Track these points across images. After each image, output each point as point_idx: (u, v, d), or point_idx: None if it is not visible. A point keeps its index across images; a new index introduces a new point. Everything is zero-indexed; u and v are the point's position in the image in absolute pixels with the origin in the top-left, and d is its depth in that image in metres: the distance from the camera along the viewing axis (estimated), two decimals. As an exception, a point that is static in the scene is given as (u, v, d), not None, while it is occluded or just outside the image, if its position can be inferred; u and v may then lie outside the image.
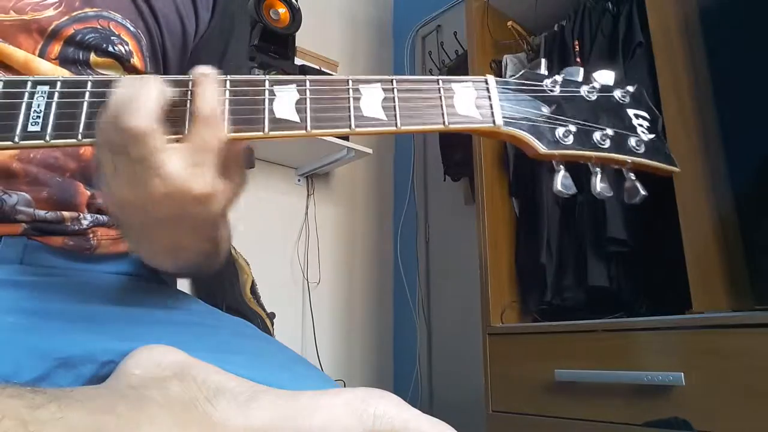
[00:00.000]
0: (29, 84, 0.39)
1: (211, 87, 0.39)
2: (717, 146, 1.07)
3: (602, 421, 1.09)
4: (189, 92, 0.40)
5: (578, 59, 1.42)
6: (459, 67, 2.02)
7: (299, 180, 2.11)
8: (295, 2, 1.81)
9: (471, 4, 1.69)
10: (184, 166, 0.37)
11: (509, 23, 1.67)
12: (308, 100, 0.42)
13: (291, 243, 2.03)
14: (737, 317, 0.95)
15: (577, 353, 1.17)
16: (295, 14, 1.80)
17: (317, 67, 2.03)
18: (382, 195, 2.40)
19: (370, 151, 1.99)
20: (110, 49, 0.54)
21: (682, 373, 0.98)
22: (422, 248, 2.21)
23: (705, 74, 1.11)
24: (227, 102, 0.40)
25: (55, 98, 0.39)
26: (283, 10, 1.78)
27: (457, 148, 1.95)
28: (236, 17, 0.69)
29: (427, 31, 2.40)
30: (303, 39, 1.94)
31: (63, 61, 0.51)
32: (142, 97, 0.36)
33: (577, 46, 1.44)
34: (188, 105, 0.39)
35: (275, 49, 1.75)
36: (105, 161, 0.38)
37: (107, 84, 0.40)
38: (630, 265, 1.29)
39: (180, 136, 0.39)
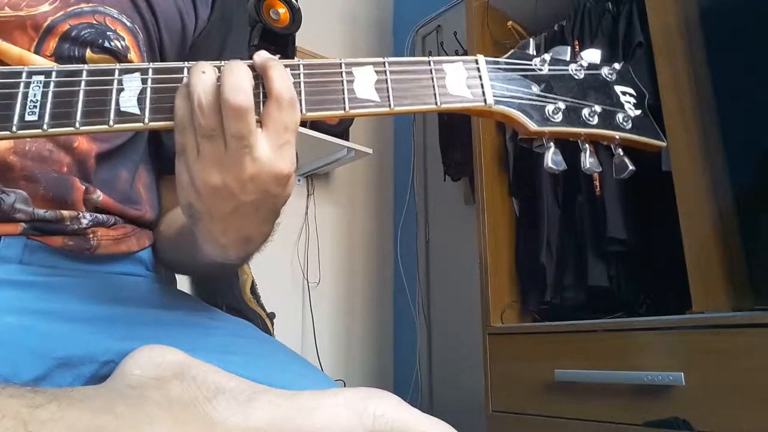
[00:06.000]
0: (24, 74, 0.39)
1: (284, 71, 0.40)
2: (717, 146, 1.07)
3: (602, 421, 1.09)
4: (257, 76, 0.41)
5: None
6: (459, 67, 2.01)
7: (299, 180, 2.10)
8: (295, 2, 1.81)
9: (471, 4, 1.69)
10: (272, 147, 0.39)
11: (509, 23, 1.67)
12: (302, 84, 0.42)
13: (291, 243, 2.03)
14: (737, 317, 0.95)
15: (577, 353, 1.17)
16: (295, 14, 1.80)
17: (317, 67, 2.03)
18: (382, 195, 2.40)
19: (370, 151, 1.99)
20: (106, 44, 0.54)
21: (682, 373, 0.98)
22: (422, 248, 2.21)
23: (705, 74, 1.11)
24: None
25: (51, 87, 0.39)
26: (283, 10, 1.78)
27: (457, 148, 1.95)
28: (235, 14, 0.69)
29: (427, 31, 2.40)
30: (303, 39, 1.94)
31: (59, 57, 0.51)
32: (241, 76, 0.38)
33: (577, 46, 1.44)
34: (260, 88, 0.40)
35: (275, 49, 1.75)
36: (189, 146, 0.39)
37: (102, 72, 0.40)
38: (630, 265, 1.29)
39: (258, 118, 0.39)
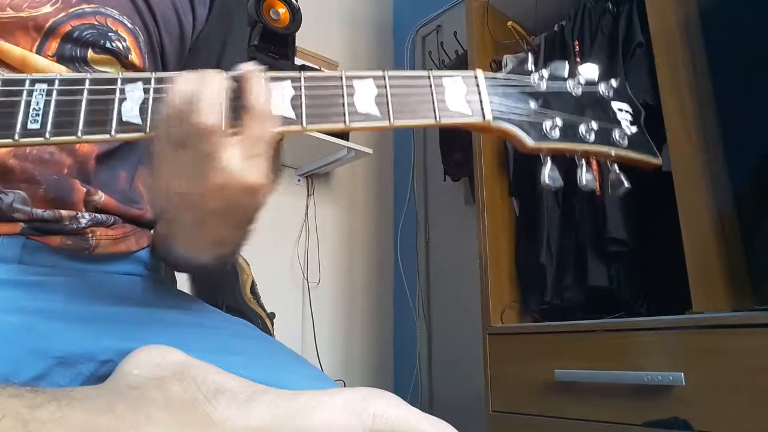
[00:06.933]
0: (27, 82, 0.39)
1: (261, 82, 0.40)
2: (717, 146, 1.07)
3: (602, 421, 1.09)
4: (237, 88, 0.41)
5: (578, 59, 1.42)
6: (459, 67, 2.02)
7: (299, 180, 2.11)
8: (295, 2, 1.81)
9: (471, 4, 1.69)
10: (243, 159, 0.39)
11: (509, 23, 1.67)
12: (303, 97, 0.42)
13: (291, 243, 2.03)
14: (737, 317, 0.95)
15: (577, 353, 1.17)
16: (295, 14, 1.80)
17: (317, 67, 2.03)
18: (382, 195, 2.40)
19: (370, 151, 1.99)
20: (108, 45, 0.54)
21: (682, 373, 0.98)
22: (422, 248, 2.21)
23: (705, 74, 1.11)
24: None
25: (54, 96, 0.39)
26: (283, 10, 1.78)
27: (457, 148, 1.95)
28: (234, 14, 0.69)
29: (427, 31, 2.40)
30: (303, 39, 1.94)
31: (60, 58, 0.51)
32: (210, 93, 0.38)
33: (577, 46, 1.44)
34: (238, 100, 0.40)
35: (275, 49, 1.75)
36: (163, 155, 0.39)
37: (105, 81, 0.40)
38: (630, 265, 1.29)
39: (234, 129, 0.39)
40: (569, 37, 1.48)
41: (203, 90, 0.38)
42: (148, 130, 0.40)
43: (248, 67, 0.41)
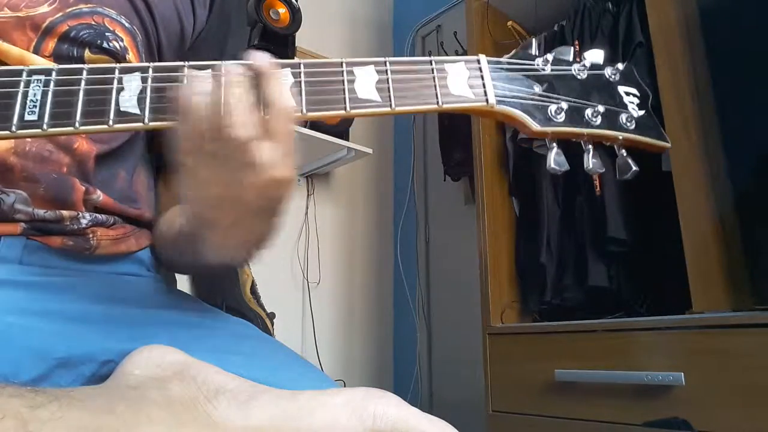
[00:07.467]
0: (24, 73, 0.39)
1: (281, 78, 0.40)
2: (717, 146, 1.07)
3: (602, 421, 1.09)
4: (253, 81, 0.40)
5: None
6: (459, 67, 2.02)
7: (299, 180, 2.10)
8: (295, 2, 1.81)
9: (471, 4, 1.69)
10: (274, 157, 0.39)
11: (509, 23, 1.67)
12: (303, 83, 0.42)
13: (291, 243, 2.03)
14: (737, 317, 0.95)
15: (577, 353, 1.17)
16: (295, 14, 1.80)
17: (317, 67, 2.03)
18: (382, 195, 2.40)
19: (370, 151, 1.99)
20: (105, 45, 0.54)
21: (682, 373, 0.98)
22: (422, 248, 2.21)
23: (705, 74, 1.11)
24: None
25: (51, 87, 0.39)
26: (283, 10, 1.78)
27: (457, 148, 1.95)
28: (233, 16, 0.69)
29: (427, 31, 2.40)
30: (303, 39, 1.94)
31: (57, 57, 0.51)
32: (238, 103, 0.37)
33: (577, 46, 1.44)
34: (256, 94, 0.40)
35: (275, 49, 1.74)
36: (194, 167, 0.40)
37: (103, 71, 0.40)
38: (630, 265, 1.29)
39: (262, 129, 0.39)
40: (569, 37, 1.48)
41: (231, 101, 0.37)
42: (146, 120, 0.39)
43: (261, 59, 0.40)
